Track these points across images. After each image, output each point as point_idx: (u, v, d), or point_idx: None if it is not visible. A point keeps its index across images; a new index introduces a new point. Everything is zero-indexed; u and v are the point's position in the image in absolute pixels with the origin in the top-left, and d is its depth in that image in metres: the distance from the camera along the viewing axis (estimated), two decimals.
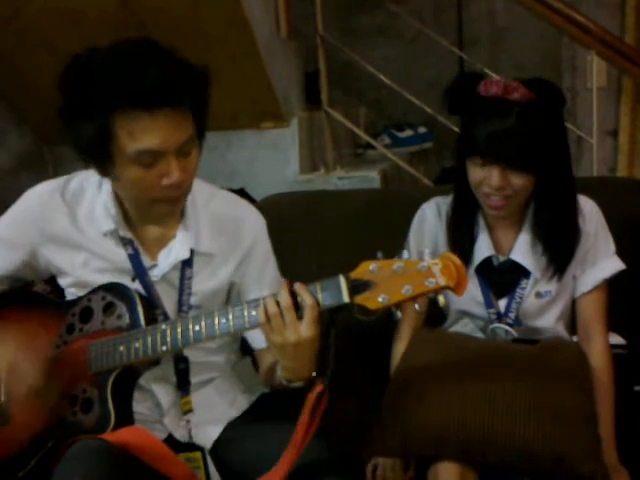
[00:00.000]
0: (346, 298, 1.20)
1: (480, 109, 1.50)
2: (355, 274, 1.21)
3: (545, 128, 1.50)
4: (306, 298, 1.22)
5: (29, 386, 1.37)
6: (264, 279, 1.49)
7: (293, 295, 1.23)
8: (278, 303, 1.23)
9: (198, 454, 1.41)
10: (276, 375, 1.37)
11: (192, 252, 1.43)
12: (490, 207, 1.55)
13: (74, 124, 1.27)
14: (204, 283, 1.45)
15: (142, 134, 1.24)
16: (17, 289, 1.50)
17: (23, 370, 1.39)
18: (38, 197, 1.45)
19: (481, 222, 1.63)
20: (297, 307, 1.23)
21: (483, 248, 1.62)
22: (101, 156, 1.28)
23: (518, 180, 1.49)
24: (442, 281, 1.17)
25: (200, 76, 1.29)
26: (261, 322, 1.24)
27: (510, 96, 1.47)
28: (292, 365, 1.29)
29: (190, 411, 1.44)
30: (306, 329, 1.22)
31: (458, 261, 1.19)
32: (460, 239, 1.61)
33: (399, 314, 1.21)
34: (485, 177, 1.50)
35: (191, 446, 1.42)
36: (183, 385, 1.44)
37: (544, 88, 1.50)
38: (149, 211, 1.37)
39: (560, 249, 1.58)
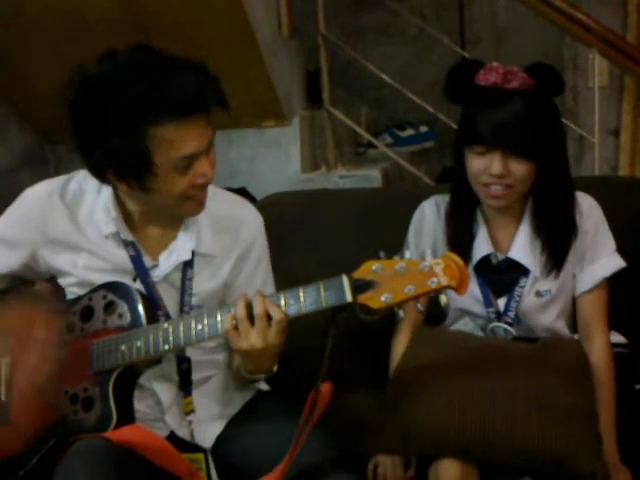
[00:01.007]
0: (349, 297, 1.21)
1: (480, 98, 1.50)
2: (358, 274, 1.21)
3: (545, 114, 1.50)
4: (274, 313, 1.24)
5: (31, 383, 1.37)
6: (254, 280, 1.50)
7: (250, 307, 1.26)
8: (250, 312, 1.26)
9: (200, 456, 1.41)
10: (240, 372, 1.43)
11: (193, 253, 1.43)
12: (490, 197, 1.54)
13: (102, 147, 1.27)
14: (205, 283, 1.45)
15: (182, 141, 1.26)
16: (17, 288, 1.50)
17: (25, 368, 1.39)
18: (37, 198, 1.44)
19: (479, 218, 1.63)
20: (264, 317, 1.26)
21: (482, 246, 1.61)
22: (142, 173, 1.28)
23: (518, 167, 1.49)
24: (444, 281, 1.17)
25: (215, 77, 1.31)
26: (227, 329, 1.27)
27: (509, 84, 1.48)
28: (255, 364, 1.37)
29: (192, 411, 1.44)
30: (273, 337, 1.26)
31: (460, 261, 1.19)
32: (459, 236, 1.61)
33: (402, 314, 1.22)
34: (486, 166, 1.50)
35: (193, 447, 1.42)
36: (185, 386, 1.44)
37: (544, 74, 1.50)
38: (177, 213, 1.39)
39: (558, 244, 1.57)
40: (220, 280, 1.47)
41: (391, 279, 1.19)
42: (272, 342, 1.26)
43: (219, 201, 1.50)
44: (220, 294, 1.48)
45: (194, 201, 1.36)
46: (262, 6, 2.92)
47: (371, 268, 1.20)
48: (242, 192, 2.88)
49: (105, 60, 1.29)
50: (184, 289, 1.43)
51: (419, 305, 1.23)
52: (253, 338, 1.25)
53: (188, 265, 1.43)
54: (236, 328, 1.26)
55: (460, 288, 1.19)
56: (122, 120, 1.24)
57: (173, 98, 1.24)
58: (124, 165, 1.28)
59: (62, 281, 1.46)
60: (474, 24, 4.13)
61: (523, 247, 1.59)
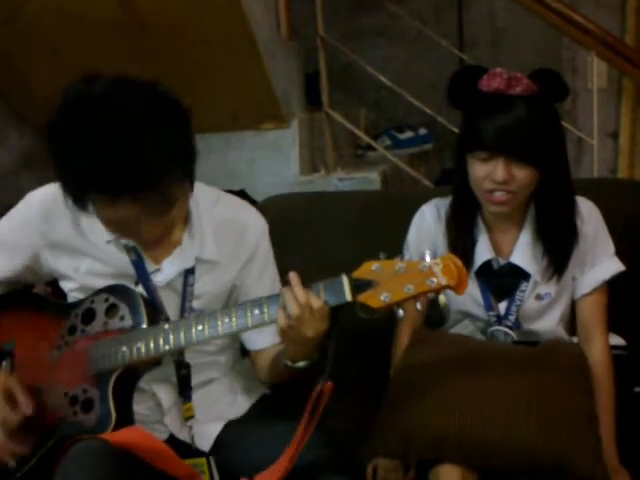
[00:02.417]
0: (349, 297, 1.22)
1: (483, 104, 1.49)
2: (358, 273, 1.22)
3: (547, 119, 1.50)
4: (313, 302, 1.23)
5: (30, 384, 1.36)
6: (264, 281, 1.49)
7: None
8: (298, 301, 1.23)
9: (202, 460, 1.41)
10: (280, 360, 1.38)
11: (196, 259, 1.43)
12: (493, 203, 1.53)
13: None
14: (207, 288, 1.45)
15: (107, 215, 1.24)
16: (18, 291, 1.50)
17: (24, 369, 1.39)
18: (40, 202, 1.43)
19: (480, 224, 1.63)
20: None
21: (483, 251, 1.61)
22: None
23: (522, 174, 1.48)
24: (443, 280, 1.18)
25: (184, 151, 1.24)
26: (281, 318, 1.24)
27: (513, 90, 1.47)
28: (300, 350, 1.32)
29: (192, 417, 1.44)
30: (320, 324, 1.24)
31: (459, 261, 1.20)
32: (460, 241, 1.61)
33: (401, 313, 1.22)
34: (489, 172, 1.49)
35: (195, 452, 1.42)
36: (185, 391, 1.44)
37: (547, 79, 1.50)
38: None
39: (559, 250, 1.57)
40: (223, 285, 1.46)
41: (390, 279, 1.20)
42: (322, 328, 1.25)
43: (224, 205, 1.49)
44: (222, 298, 1.48)
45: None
46: (261, 7, 2.92)
47: (371, 268, 1.21)
48: (242, 194, 2.88)
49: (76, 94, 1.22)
50: (185, 295, 1.43)
51: (418, 305, 1.24)
52: (316, 323, 1.23)
53: (190, 271, 1.43)
54: (290, 318, 1.24)
55: (458, 288, 1.19)
56: (63, 174, 1.23)
57: (97, 175, 1.16)
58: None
59: (64, 285, 1.46)
60: (472, 26, 4.15)
61: (524, 252, 1.59)
